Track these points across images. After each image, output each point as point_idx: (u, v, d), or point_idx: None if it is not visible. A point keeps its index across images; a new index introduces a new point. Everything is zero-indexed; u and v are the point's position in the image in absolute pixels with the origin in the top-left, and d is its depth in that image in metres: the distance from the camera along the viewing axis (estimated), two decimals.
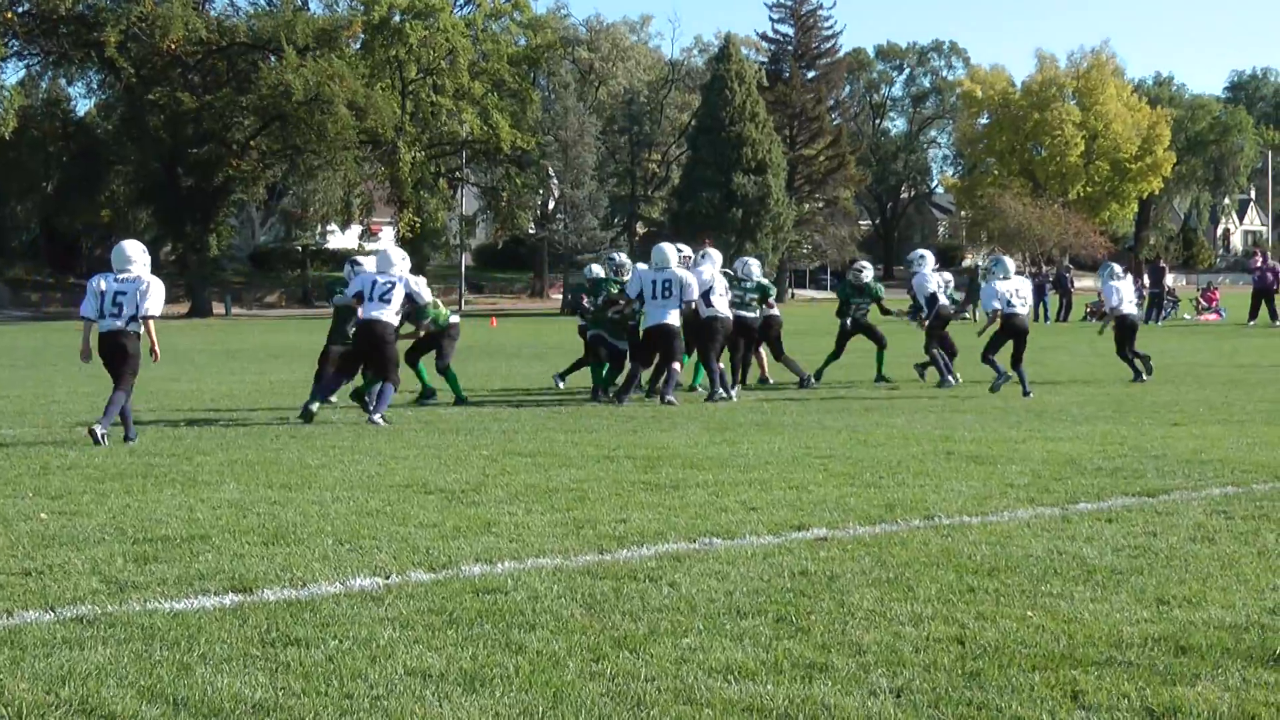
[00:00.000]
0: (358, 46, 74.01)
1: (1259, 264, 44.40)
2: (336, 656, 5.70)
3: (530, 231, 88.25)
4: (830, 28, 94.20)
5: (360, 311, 15.68)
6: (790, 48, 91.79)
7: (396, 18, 73.42)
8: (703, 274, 18.66)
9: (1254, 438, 13.18)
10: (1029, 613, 6.29)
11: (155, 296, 13.82)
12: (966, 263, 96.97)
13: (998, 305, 19.27)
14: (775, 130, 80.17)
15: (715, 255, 19.88)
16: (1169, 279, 50.43)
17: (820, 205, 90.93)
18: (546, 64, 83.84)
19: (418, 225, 74.56)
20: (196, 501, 9.66)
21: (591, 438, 13.71)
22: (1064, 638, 5.87)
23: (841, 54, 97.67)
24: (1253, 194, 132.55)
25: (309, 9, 74.86)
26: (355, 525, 8.63)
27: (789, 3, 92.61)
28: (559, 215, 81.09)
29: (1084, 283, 61.25)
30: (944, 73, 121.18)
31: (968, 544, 7.87)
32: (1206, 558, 7.44)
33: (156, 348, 13.70)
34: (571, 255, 77.61)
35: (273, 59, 67.52)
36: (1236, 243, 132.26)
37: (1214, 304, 50.47)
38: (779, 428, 14.69)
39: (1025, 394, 18.37)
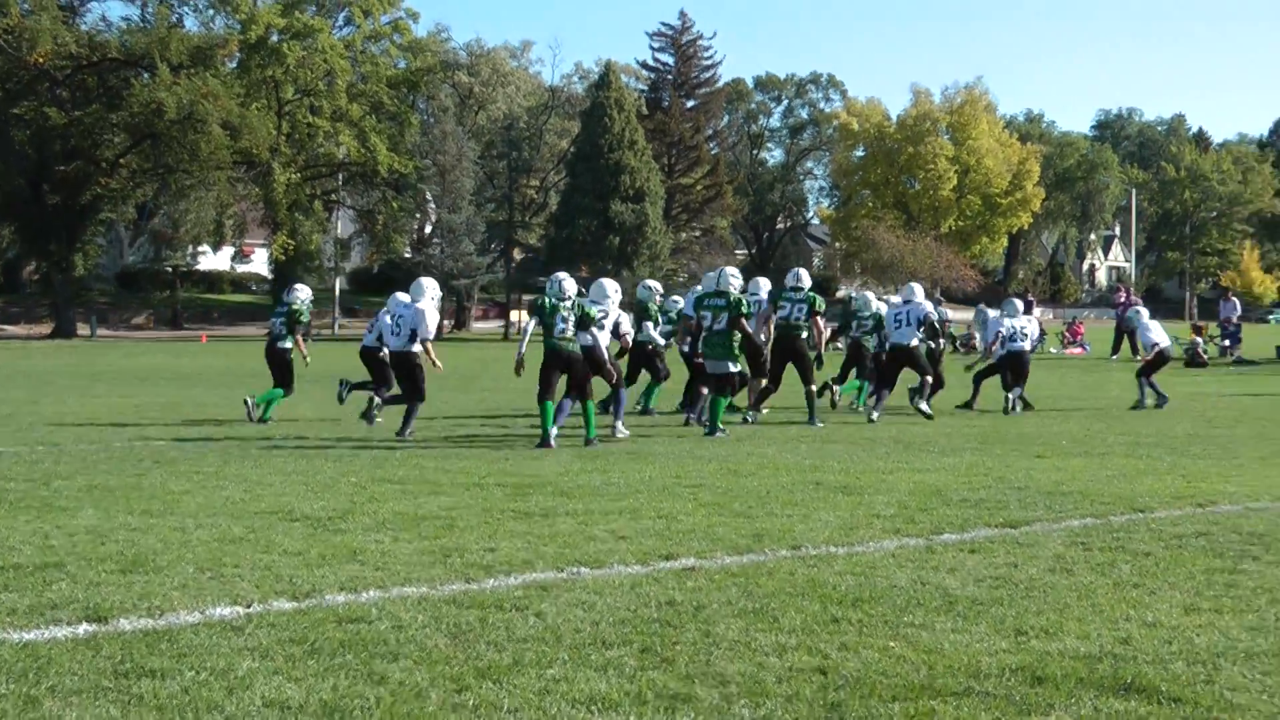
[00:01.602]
0: (233, 65, 73.27)
1: (1122, 299, 45.45)
2: (192, 688, 5.60)
3: (406, 255, 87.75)
4: (710, 58, 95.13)
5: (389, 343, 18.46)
6: (670, 77, 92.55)
7: (274, 37, 72.83)
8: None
9: (1113, 470, 13.44)
10: (891, 643, 6.35)
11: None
12: (841, 293, 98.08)
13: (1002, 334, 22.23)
14: (654, 158, 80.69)
15: (763, 283, 21.29)
16: (1035, 312, 51.37)
17: (697, 234, 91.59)
18: (426, 87, 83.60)
19: (291, 247, 73.87)
20: (52, 528, 9.45)
21: (462, 465, 13.65)
22: (924, 668, 5.93)
23: (721, 84, 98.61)
24: (1117, 230, 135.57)
25: (184, 26, 73.95)
26: (217, 553, 8.50)
27: (670, 32, 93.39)
28: (435, 240, 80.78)
29: (955, 315, 62.05)
30: (821, 105, 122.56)
31: (833, 574, 7.92)
32: (1064, 588, 7.57)
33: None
34: (447, 280, 77.24)
35: (145, 76, 66.60)
36: (1101, 278, 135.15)
37: (1079, 338, 51.49)
38: (650, 456, 14.71)
39: (1007, 410, 21.23)
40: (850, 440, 16.78)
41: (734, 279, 18.53)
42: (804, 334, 19.79)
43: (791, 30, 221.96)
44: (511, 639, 6.40)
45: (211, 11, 75.41)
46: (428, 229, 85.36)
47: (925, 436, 17.33)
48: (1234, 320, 45.79)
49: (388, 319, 18.54)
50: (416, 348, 18.12)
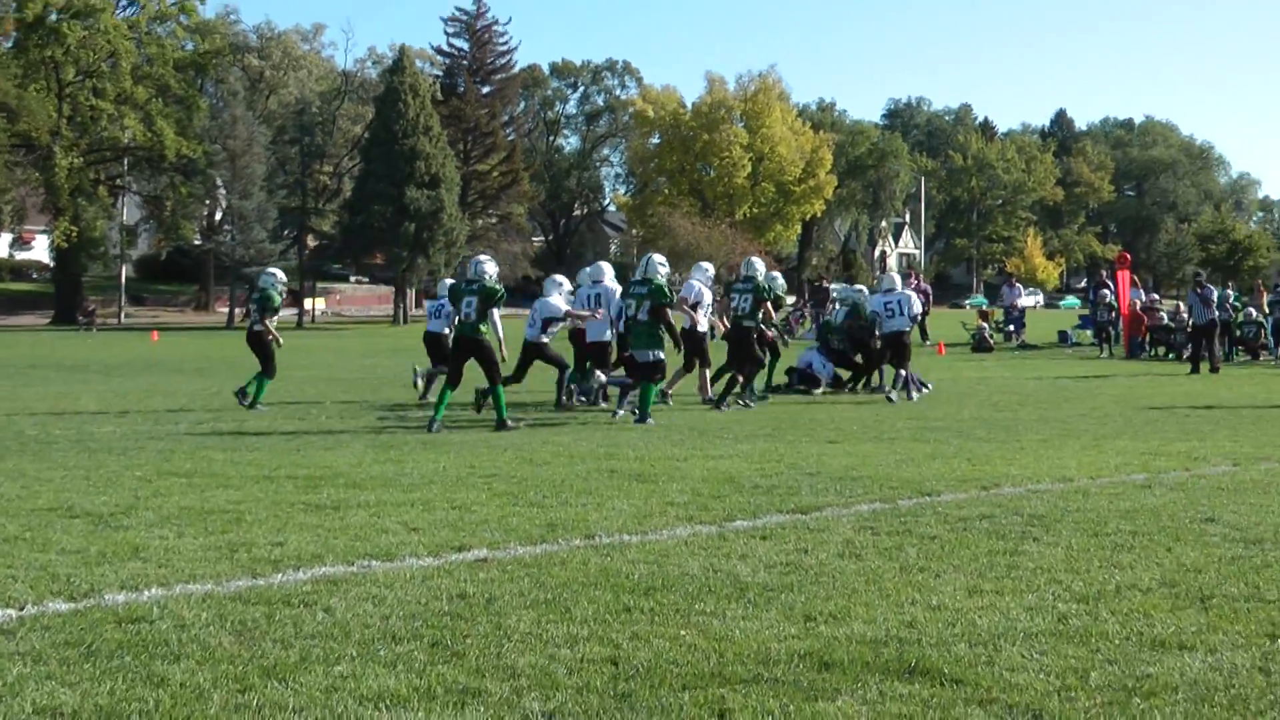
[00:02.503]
0: (9, 45, 70.83)
1: (913, 285, 46.42)
2: None
3: (196, 243, 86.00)
4: (505, 43, 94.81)
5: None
6: (465, 62, 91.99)
7: (53, 16, 70.65)
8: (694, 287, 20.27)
9: (902, 454, 13.72)
10: (682, 632, 6.37)
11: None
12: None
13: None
14: (449, 144, 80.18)
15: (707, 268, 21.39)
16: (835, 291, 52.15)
17: (494, 221, 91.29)
18: (215, 70, 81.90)
19: (74, 234, 71.76)
20: None
21: (252, 457, 13.39)
22: (715, 656, 5.97)
23: (516, 70, 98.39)
24: (907, 217, 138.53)
25: None
26: None
27: (464, 17, 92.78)
28: (226, 226, 79.23)
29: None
30: (617, 91, 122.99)
31: (626, 563, 7.94)
32: (853, 573, 7.69)
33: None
34: (239, 267, 75.90)
35: None
36: (892, 264, 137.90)
37: None
38: (445, 446, 14.61)
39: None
40: (645, 428, 16.86)
41: (661, 266, 18.85)
42: (749, 323, 20.02)
43: (587, 17, 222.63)
44: (299, 635, 6.28)
45: None
46: (218, 215, 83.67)
47: (720, 424, 17.50)
48: (1018, 305, 47.23)
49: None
50: (547, 338, 19.98)
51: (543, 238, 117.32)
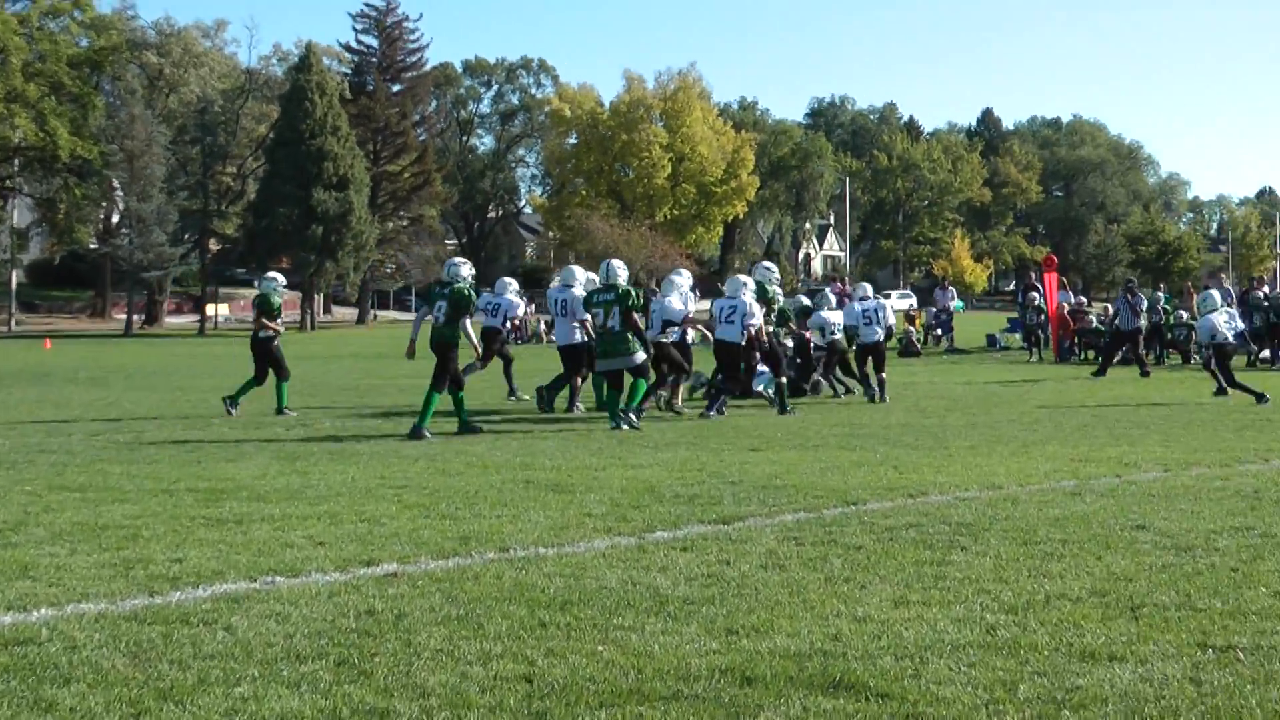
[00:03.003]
0: None
1: (838, 289, 46.68)
2: None
3: (92, 246, 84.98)
4: (416, 41, 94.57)
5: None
6: (375, 60, 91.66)
7: None
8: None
9: (827, 462, 13.77)
10: (600, 647, 6.34)
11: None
12: (555, 284, 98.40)
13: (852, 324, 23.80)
14: (358, 145, 79.84)
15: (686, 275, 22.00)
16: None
17: (405, 223, 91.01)
18: (111, 68, 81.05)
19: None
20: None
21: (150, 470, 13.23)
22: (633, 672, 5.94)
23: (428, 68, 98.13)
24: (832, 219, 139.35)
25: None
26: None
27: (373, 13, 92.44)
28: (124, 230, 78.41)
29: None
30: (533, 90, 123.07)
31: (542, 577, 7.90)
32: (776, 585, 7.69)
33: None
34: (137, 272, 75.11)
35: None
36: (817, 267, 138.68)
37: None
38: (354, 456, 14.50)
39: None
40: (563, 437, 16.83)
41: (621, 270, 19.22)
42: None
43: (501, 14, 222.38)
44: (198, 656, 6.19)
45: None
46: (115, 218, 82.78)
47: (640, 432, 17.49)
48: (949, 309, 47.62)
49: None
50: (666, 338, 20.56)
51: (455, 241, 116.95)
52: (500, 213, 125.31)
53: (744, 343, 20.19)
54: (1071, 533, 9.33)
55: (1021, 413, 20.65)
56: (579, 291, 20.70)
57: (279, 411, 20.36)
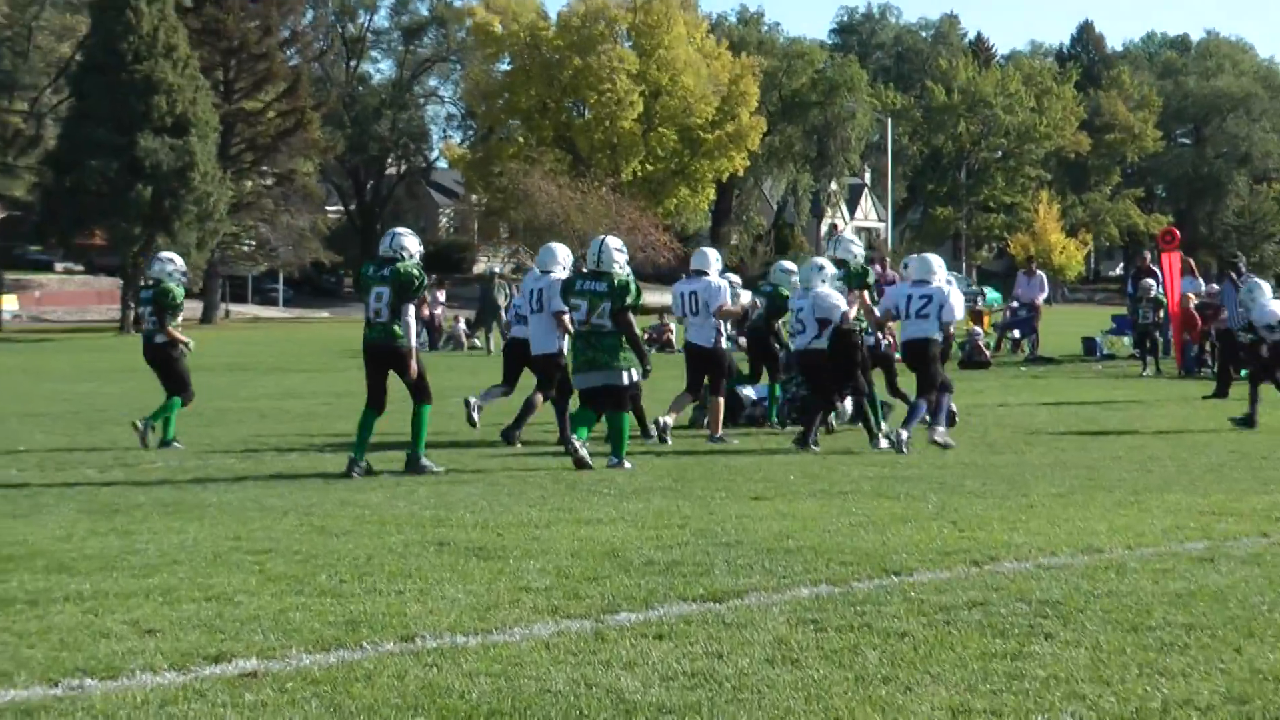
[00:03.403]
0: None
1: (878, 274, 46.74)
2: None
3: None
4: None
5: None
6: None
7: None
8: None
9: (858, 516, 13.79)
10: None
11: None
12: (480, 268, 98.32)
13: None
14: (203, 72, 79.48)
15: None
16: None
17: (270, 182, 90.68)
18: None
19: None
20: None
21: None
22: None
23: None
24: (867, 177, 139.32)
25: None
26: None
27: None
28: None
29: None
30: None
31: (461, 677, 7.93)
32: (788, 686, 7.72)
33: None
34: None
35: None
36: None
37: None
38: (196, 509, 14.49)
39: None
40: (490, 481, 16.84)
41: (619, 254, 19.16)
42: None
43: None
44: None
45: None
46: None
47: (598, 472, 17.50)
48: (1035, 303, 46.79)
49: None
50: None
51: (341, 207, 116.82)
52: (404, 168, 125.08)
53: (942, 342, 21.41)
54: (1200, 615, 9.39)
55: (1131, 448, 20.73)
56: (561, 277, 20.75)
57: (164, 443, 20.98)
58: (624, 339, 18.63)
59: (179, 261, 22.64)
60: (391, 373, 17.93)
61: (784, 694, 7.59)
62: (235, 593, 10.18)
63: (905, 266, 22.20)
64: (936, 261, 21.49)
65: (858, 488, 16.07)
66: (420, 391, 17.95)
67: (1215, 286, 44.15)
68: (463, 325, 56.25)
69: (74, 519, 13.88)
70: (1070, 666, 8.10)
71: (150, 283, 22.16)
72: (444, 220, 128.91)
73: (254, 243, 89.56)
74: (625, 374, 18.58)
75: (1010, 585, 10.32)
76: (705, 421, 22.41)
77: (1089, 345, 46.29)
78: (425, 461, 17.73)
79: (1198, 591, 10.08)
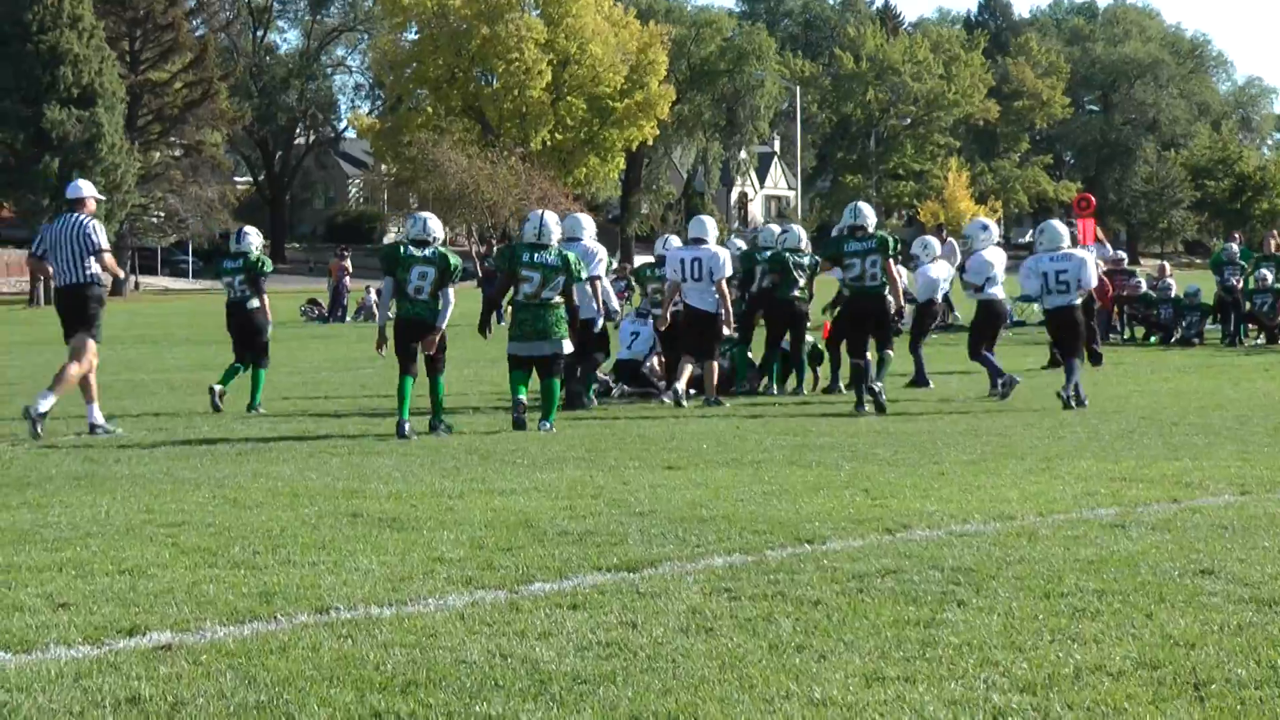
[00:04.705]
0: None
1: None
2: None
3: None
4: None
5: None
6: None
7: None
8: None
9: (772, 484, 13.84)
10: None
11: None
12: (390, 237, 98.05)
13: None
14: (108, 43, 78.93)
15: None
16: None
17: (178, 154, 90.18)
18: None
19: None
20: None
21: None
22: None
23: None
24: (777, 146, 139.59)
25: None
26: None
27: None
28: None
29: None
30: None
31: (375, 648, 7.92)
32: (702, 655, 7.74)
33: None
34: None
35: None
36: (757, 211, 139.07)
37: None
38: (108, 482, 14.41)
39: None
40: (402, 452, 16.81)
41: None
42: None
43: None
44: None
45: None
46: None
47: (511, 443, 17.50)
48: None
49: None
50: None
51: (250, 178, 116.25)
52: (312, 138, 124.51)
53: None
54: (1111, 581, 9.45)
55: (1042, 414, 20.83)
56: (591, 244, 22.10)
57: (250, 405, 22.05)
58: (565, 310, 19.77)
59: (260, 236, 24.21)
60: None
61: (699, 663, 7.60)
62: (149, 566, 10.13)
63: (1040, 232, 22.90)
64: (1064, 228, 22.99)
65: (770, 456, 16.11)
66: (440, 364, 19.17)
67: (1124, 254, 44.50)
68: (373, 295, 55.99)
69: None
70: (983, 633, 8.14)
71: (237, 254, 23.00)
72: (353, 191, 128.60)
73: (163, 214, 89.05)
74: (566, 343, 19.75)
75: (923, 553, 10.37)
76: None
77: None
78: (445, 421, 19.04)
79: (1109, 558, 10.15)
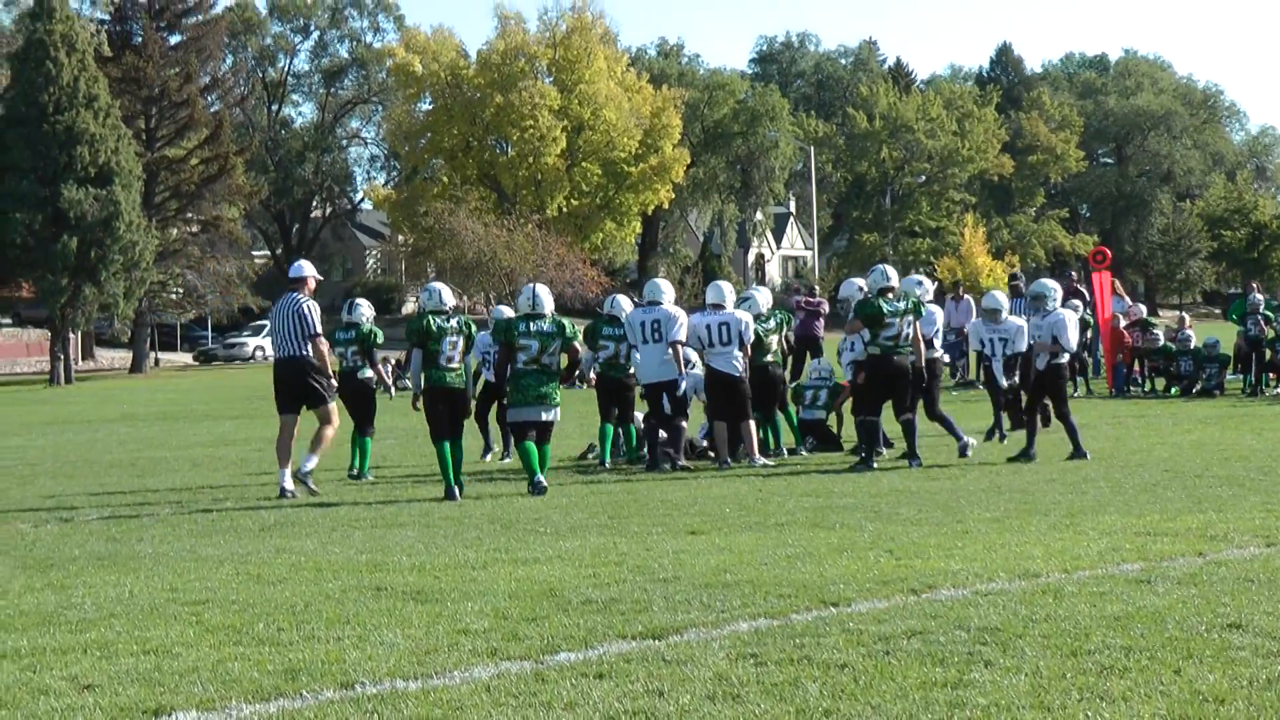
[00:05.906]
0: None
1: (803, 302, 46.77)
2: None
3: None
4: None
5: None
6: (143, 1, 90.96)
7: None
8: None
9: (796, 547, 13.82)
10: None
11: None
12: (409, 308, 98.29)
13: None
14: (125, 121, 79.15)
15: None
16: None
17: (195, 229, 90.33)
18: None
19: None
20: None
21: None
22: None
23: (219, 9, 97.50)
24: (793, 206, 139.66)
25: None
26: None
27: None
28: None
29: None
30: (367, 37, 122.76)
31: None
32: None
33: None
34: None
35: None
36: (774, 272, 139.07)
37: None
38: (132, 561, 14.42)
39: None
40: (426, 523, 16.81)
41: (548, 298, 20.94)
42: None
43: None
44: None
45: None
46: None
47: (535, 512, 17.49)
48: (965, 329, 46.96)
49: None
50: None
51: (267, 251, 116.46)
52: (329, 210, 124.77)
53: None
54: (1138, 637, 9.43)
55: (1065, 469, 20.80)
56: (672, 309, 22.76)
57: (357, 475, 22.67)
58: (570, 362, 20.80)
59: (371, 307, 24.60)
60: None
61: None
62: (173, 645, 10.13)
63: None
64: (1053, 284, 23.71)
65: (793, 519, 16.10)
66: (461, 428, 20.12)
67: (1142, 307, 44.38)
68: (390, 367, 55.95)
69: (9, 575, 13.80)
70: (1011, 693, 8.12)
71: (349, 324, 23.62)
72: (371, 261, 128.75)
73: (181, 290, 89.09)
74: (558, 410, 20.39)
75: (949, 613, 10.35)
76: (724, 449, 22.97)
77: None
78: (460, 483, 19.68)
79: (1135, 613, 10.13)
